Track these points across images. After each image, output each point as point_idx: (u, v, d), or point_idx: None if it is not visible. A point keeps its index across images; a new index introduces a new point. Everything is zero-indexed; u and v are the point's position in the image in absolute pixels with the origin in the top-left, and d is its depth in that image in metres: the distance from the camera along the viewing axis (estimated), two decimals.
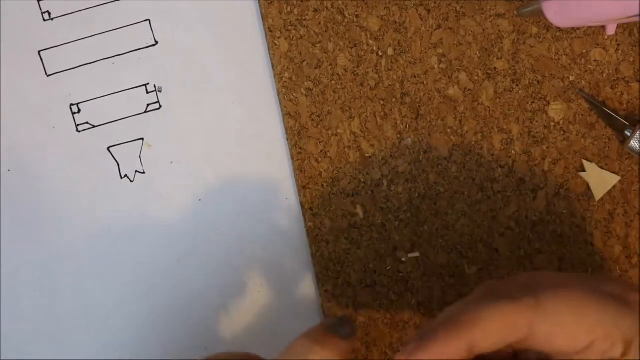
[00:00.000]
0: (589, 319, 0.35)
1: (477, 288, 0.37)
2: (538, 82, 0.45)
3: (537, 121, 0.46)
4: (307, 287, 0.48)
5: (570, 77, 0.45)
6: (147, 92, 0.48)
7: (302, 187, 0.47)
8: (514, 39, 0.45)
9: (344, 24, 0.46)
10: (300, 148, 0.47)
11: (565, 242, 0.46)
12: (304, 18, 0.46)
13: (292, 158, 0.47)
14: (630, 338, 0.35)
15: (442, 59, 0.46)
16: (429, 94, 0.46)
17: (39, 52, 0.48)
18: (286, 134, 0.47)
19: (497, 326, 0.34)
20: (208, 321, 0.49)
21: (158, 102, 0.48)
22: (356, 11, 0.46)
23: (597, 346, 0.35)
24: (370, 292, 0.47)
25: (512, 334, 0.34)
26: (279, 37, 0.46)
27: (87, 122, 0.48)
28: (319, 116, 0.47)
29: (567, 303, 0.35)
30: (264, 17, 0.46)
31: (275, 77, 0.47)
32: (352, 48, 0.46)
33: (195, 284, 0.49)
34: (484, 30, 0.45)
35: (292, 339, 0.48)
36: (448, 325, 0.34)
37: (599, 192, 0.46)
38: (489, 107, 0.46)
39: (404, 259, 0.47)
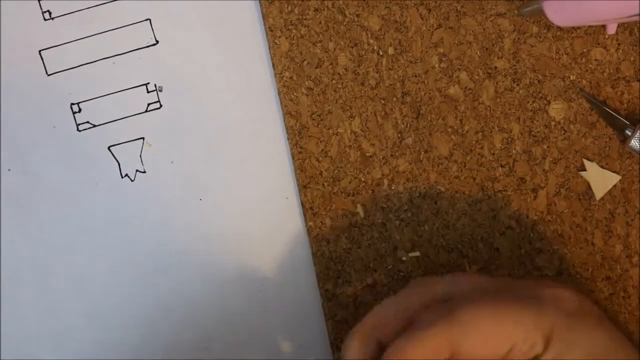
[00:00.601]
0: (505, 326, 0.37)
1: (408, 285, 0.41)
2: (539, 81, 0.45)
3: (537, 120, 0.46)
4: (307, 287, 0.48)
5: (571, 77, 0.45)
6: (148, 92, 0.48)
7: (302, 187, 0.47)
8: (515, 38, 0.45)
9: (344, 24, 0.46)
10: (301, 147, 0.47)
11: (565, 242, 0.46)
12: (304, 17, 0.46)
13: (293, 157, 0.47)
14: (549, 333, 0.37)
15: (443, 58, 0.46)
16: (429, 93, 0.46)
17: (40, 51, 0.48)
18: (287, 133, 0.47)
19: (423, 357, 0.36)
20: (208, 321, 0.49)
21: (159, 101, 0.48)
22: (357, 10, 0.46)
23: (518, 349, 0.37)
24: (370, 292, 0.47)
25: (439, 356, 0.37)
26: (279, 37, 0.46)
27: (87, 122, 0.48)
28: (319, 115, 0.47)
29: (482, 314, 0.37)
30: (265, 17, 0.46)
31: (275, 77, 0.47)
32: (352, 47, 0.46)
33: (195, 284, 0.49)
34: (484, 29, 0.45)
35: (291, 340, 0.48)
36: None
37: (599, 192, 0.46)
38: (489, 107, 0.46)
39: (404, 258, 0.47)
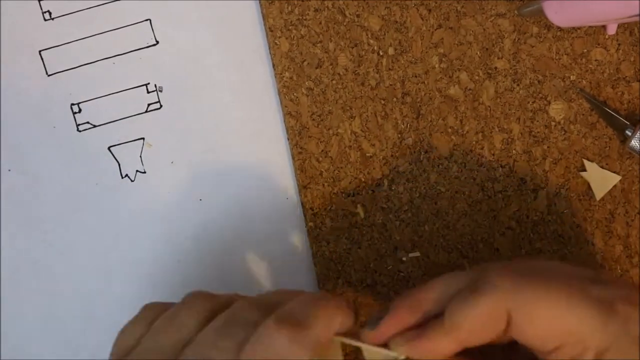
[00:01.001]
0: (564, 321, 0.34)
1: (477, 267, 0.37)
2: (539, 81, 0.45)
3: (537, 121, 0.46)
4: (307, 287, 0.48)
5: (571, 77, 0.45)
6: (148, 92, 0.48)
7: (302, 187, 0.47)
8: (515, 39, 0.45)
9: (344, 24, 0.46)
10: (301, 148, 0.47)
11: (566, 242, 0.46)
12: (304, 18, 0.46)
13: (293, 158, 0.47)
14: (604, 348, 0.34)
15: (443, 59, 0.46)
16: (429, 94, 0.46)
17: (40, 51, 0.48)
18: (287, 133, 0.47)
19: (479, 324, 0.34)
20: None
21: (159, 101, 0.48)
22: (357, 11, 0.46)
23: (566, 350, 0.34)
24: (371, 292, 0.47)
25: (495, 325, 0.34)
26: (279, 37, 0.46)
27: (87, 122, 0.48)
28: (319, 116, 0.47)
29: (546, 299, 0.34)
30: (265, 17, 0.46)
31: (276, 77, 0.47)
32: (352, 48, 0.46)
33: (195, 284, 0.48)
34: (484, 29, 0.45)
35: None
36: (437, 327, 0.35)
37: (599, 192, 0.46)
38: (489, 107, 0.46)
39: (404, 259, 0.47)
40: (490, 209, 0.46)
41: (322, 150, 0.47)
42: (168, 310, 0.38)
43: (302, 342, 0.34)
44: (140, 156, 0.48)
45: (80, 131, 0.48)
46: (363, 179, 0.47)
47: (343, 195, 0.47)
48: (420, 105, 0.46)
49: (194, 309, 0.37)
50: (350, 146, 0.47)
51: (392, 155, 0.47)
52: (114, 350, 0.39)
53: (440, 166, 0.46)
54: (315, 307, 0.35)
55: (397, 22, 0.46)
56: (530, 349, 0.35)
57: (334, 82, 0.46)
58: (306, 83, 0.47)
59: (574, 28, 0.45)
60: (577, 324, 0.34)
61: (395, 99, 0.46)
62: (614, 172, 0.45)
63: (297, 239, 0.48)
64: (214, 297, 0.38)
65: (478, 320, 0.34)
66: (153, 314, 0.38)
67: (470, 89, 0.46)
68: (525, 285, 0.34)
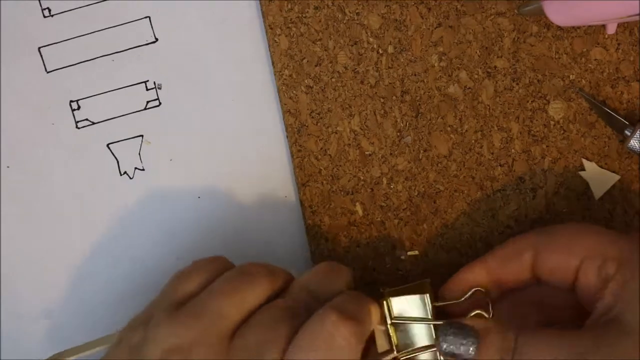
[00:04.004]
0: (582, 238, 0.39)
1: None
2: (538, 80, 0.45)
3: (537, 120, 0.46)
4: None
5: (571, 76, 0.45)
6: (147, 89, 0.48)
7: (301, 185, 0.47)
8: (515, 38, 0.45)
9: (344, 22, 0.46)
10: (300, 145, 0.47)
11: None
12: (304, 15, 0.46)
13: (292, 155, 0.47)
14: (625, 258, 0.37)
15: (443, 57, 0.46)
16: (429, 92, 0.46)
17: (39, 48, 0.48)
18: (286, 131, 0.47)
19: (506, 252, 0.41)
20: None
21: (158, 99, 0.48)
22: (357, 9, 0.46)
23: (589, 262, 0.38)
24: (369, 290, 0.47)
25: (521, 254, 0.40)
26: (279, 35, 0.46)
27: (86, 119, 0.48)
28: (318, 114, 0.47)
29: (564, 227, 0.41)
30: (264, 15, 0.46)
31: (275, 75, 0.47)
32: (352, 46, 0.46)
33: None
34: (484, 28, 0.45)
35: None
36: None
37: (598, 191, 0.46)
38: (489, 106, 0.46)
39: (403, 257, 0.47)
40: (489, 208, 0.46)
41: (321, 148, 0.47)
42: (228, 272, 0.40)
43: (360, 336, 0.37)
44: (139, 153, 0.48)
45: (79, 128, 0.48)
46: (362, 177, 0.47)
47: (342, 193, 0.47)
48: (419, 104, 0.46)
49: (260, 287, 0.39)
50: (350, 144, 0.47)
51: (391, 154, 0.46)
52: (167, 289, 0.41)
53: (439, 165, 0.46)
54: (364, 303, 0.39)
55: (396, 20, 0.46)
56: (559, 281, 0.40)
57: (333, 80, 0.46)
58: (305, 81, 0.47)
59: (573, 27, 0.45)
60: (594, 237, 0.39)
61: (394, 98, 0.46)
62: (613, 172, 0.45)
63: (296, 237, 0.48)
64: (275, 280, 0.40)
65: (503, 251, 0.41)
66: (214, 269, 0.41)
67: (469, 88, 0.46)
68: (548, 227, 0.41)
